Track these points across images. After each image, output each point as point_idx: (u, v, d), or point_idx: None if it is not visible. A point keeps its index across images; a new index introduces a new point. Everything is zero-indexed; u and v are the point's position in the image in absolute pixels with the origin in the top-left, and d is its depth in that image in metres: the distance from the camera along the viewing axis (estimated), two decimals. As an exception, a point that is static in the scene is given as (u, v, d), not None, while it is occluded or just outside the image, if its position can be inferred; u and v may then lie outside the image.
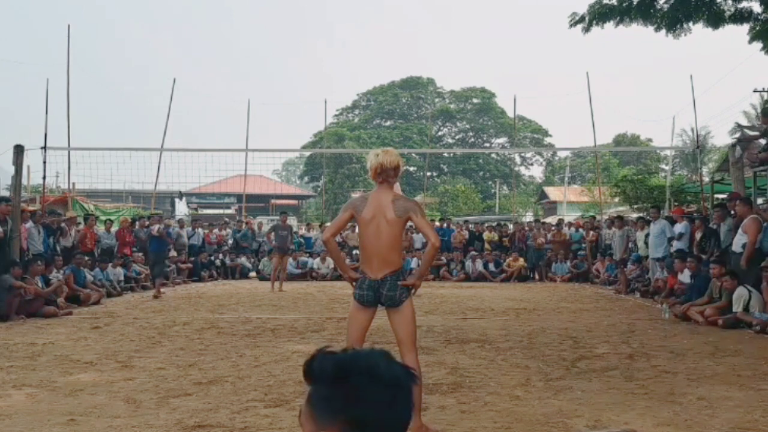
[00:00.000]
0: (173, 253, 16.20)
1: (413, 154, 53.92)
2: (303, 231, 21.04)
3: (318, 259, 17.39)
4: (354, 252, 17.99)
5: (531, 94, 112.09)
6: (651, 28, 12.66)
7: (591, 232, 17.13)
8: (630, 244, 13.63)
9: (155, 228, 12.80)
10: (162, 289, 12.42)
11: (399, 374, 1.11)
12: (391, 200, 4.07)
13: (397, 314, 4.03)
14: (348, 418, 1.06)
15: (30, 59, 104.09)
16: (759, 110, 22.74)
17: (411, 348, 3.96)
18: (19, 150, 11.60)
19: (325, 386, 1.10)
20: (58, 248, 12.23)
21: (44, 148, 13.14)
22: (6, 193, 15.77)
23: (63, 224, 12.91)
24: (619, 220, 14.06)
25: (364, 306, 4.06)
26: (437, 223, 19.92)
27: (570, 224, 19.76)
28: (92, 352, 6.45)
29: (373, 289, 3.99)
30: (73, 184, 17.99)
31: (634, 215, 18.05)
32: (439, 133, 59.78)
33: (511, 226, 19.44)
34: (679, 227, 11.66)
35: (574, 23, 12.82)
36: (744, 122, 27.69)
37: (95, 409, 4.38)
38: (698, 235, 10.97)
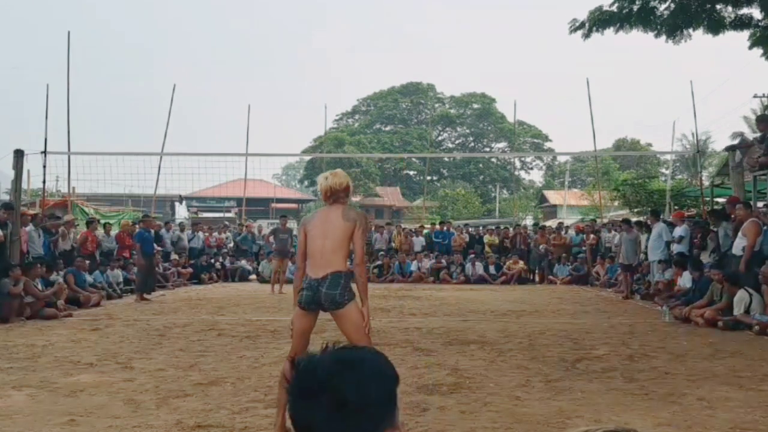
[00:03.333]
0: (174, 257, 16.21)
1: (413, 159, 53.99)
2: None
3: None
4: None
5: (531, 100, 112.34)
6: (651, 35, 12.72)
7: (591, 236, 17.17)
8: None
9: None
10: (146, 295, 12.19)
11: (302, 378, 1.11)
12: (341, 211, 4.03)
13: (342, 318, 3.87)
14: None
15: (30, 65, 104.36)
16: (759, 115, 22.76)
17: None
18: (19, 154, 11.64)
19: (290, 396, 1.14)
20: (56, 252, 12.23)
21: (44, 152, 13.16)
22: (6, 197, 15.78)
23: (62, 228, 12.93)
24: (626, 224, 13.46)
25: (303, 310, 3.93)
26: (437, 227, 19.96)
27: (567, 228, 19.80)
28: (92, 354, 6.46)
29: (312, 288, 3.87)
30: (74, 188, 17.98)
31: (634, 219, 18.03)
32: (439, 138, 59.88)
33: (511, 230, 19.47)
34: (679, 230, 11.67)
35: (574, 29, 12.87)
36: (744, 127, 27.78)
37: (95, 410, 4.38)
38: (699, 235, 11.00)
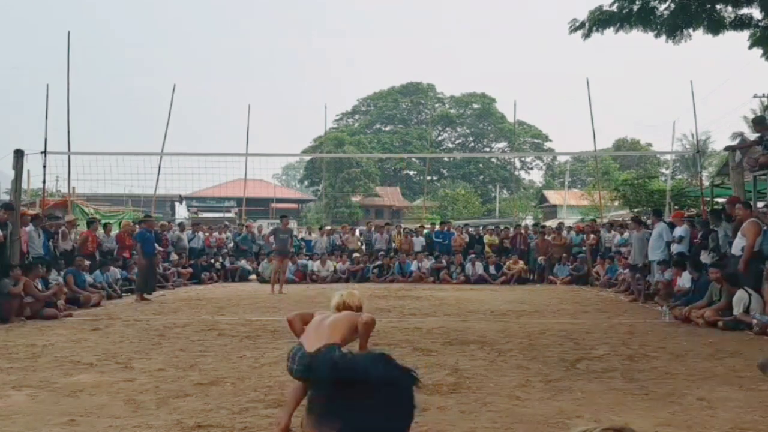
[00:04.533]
0: (174, 256, 16.22)
1: (413, 159, 53.99)
2: (303, 234, 21.06)
3: (318, 262, 17.41)
4: (354, 255, 18.05)
5: (531, 100, 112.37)
6: (651, 35, 12.71)
7: (591, 236, 17.17)
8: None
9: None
10: (146, 296, 12.23)
11: (396, 378, 1.07)
12: (351, 311, 4.23)
13: None
14: (344, 424, 1.04)
15: (30, 65, 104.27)
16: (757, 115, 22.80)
17: None
18: (19, 154, 11.65)
19: (323, 391, 1.07)
20: (57, 252, 12.24)
21: (44, 152, 13.17)
22: (6, 197, 15.78)
23: (63, 228, 12.93)
24: (636, 222, 12.91)
25: (294, 378, 4.01)
26: (437, 227, 19.97)
27: (569, 228, 19.81)
28: (92, 354, 6.46)
29: (303, 363, 3.92)
30: (74, 188, 17.98)
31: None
32: (439, 138, 59.90)
33: (511, 230, 19.47)
34: (679, 230, 11.66)
35: (574, 29, 12.86)
36: (744, 127, 27.79)
37: (95, 410, 4.38)
38: (699, 234, 10.99)
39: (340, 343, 3.94)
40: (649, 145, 49.92)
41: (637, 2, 12.21)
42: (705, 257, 10.41)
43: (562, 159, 57.44)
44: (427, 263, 17.47)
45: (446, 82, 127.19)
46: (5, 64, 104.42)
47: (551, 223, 25.31)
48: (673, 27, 12.34)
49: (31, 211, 13.70)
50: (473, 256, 17.42)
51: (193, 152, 42.42)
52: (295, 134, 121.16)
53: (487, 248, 18.20)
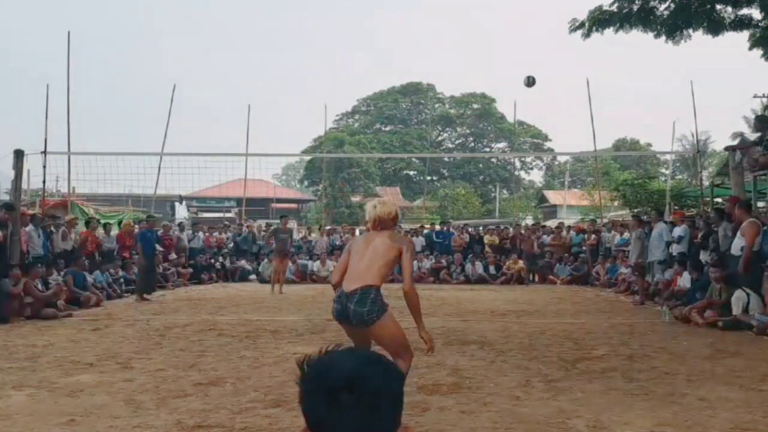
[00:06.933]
0: (173, 256, 16.22)
1: (413, 159, 53.99)
2: (303, 233, 21.03)
3: (318, 262, 17.41)
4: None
5: (531, 100, 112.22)
6: (651, 35, 12.73)
7: (592, 236, 17.19)
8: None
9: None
10: (146, 296, 12.24)
11: (347, 377, 1.07)
12: (387, 234, 3.98)
13: (375, 334, 3.76)
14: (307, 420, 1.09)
15: (30, 65, 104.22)
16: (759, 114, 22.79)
17: (397, 357, 3.71)
18: (19, 154, 11.65)
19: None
20: (53, 251, 12.22)
21: (44, 152, 13.17)
22: (6, 197, 15.80)
23: (63, 228, 12.94)
24: (636, 221, 12.82)
25: (340, 324, 3.88)
26: (437, 227, 19.97)
27: (569, 227, 19.83)
28: (92, 354, 6.46)
29: (341, 302, 3.77)
30: (73, 188, 17.99)
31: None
32: (439, 138, 59.91)
33: (511, 230, 19.49)
34: (678, 230, 11.66)
35: (574, 29, 12.90)
36: (744, 127, 27.81)
37: (95, 410, 4.38)
38: (699, 234, 10.99)
39: (378, 285, 3.79)
40: (649, 145, 49.90)
41: (637, 2, 12.24)
42: (705, 257, 10.41)
43: (562, 159, 57.49)
44: (427, 263, 17.48)
45: (446, 82, 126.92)
46: (5, 64, 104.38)
47: (551, 223, 25.32)
48: (673, 27, 12.36)
49: (31, 211, 13.70)
50: (472, 255, 17.38)
51: (193, 152, 42.31)
52: (295, 134, 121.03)
53: (487, 248, 18.20)
